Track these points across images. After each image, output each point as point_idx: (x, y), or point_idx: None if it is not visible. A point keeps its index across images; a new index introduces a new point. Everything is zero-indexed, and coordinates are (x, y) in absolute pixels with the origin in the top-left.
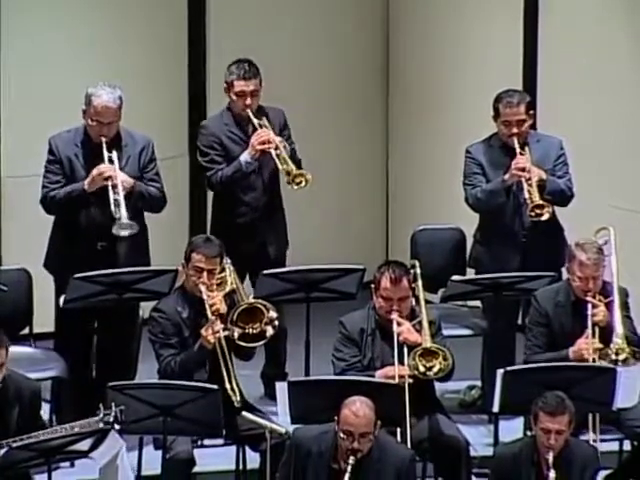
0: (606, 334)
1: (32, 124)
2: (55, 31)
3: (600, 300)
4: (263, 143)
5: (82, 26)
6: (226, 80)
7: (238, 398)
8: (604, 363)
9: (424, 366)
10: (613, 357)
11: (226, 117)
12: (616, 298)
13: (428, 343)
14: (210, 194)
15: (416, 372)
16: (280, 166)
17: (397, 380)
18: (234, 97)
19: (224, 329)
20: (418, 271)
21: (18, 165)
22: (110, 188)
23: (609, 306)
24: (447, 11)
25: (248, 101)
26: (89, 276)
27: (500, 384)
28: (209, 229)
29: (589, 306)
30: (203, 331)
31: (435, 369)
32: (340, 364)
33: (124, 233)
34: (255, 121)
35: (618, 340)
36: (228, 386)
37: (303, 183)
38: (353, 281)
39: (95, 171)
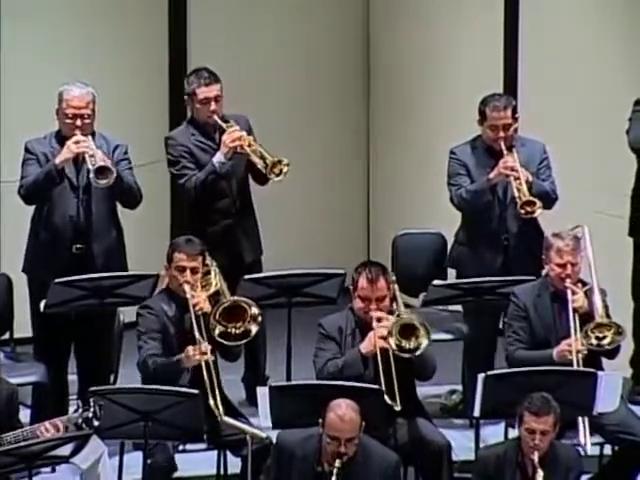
0: (587, 322)
1: (29, 130)
2: (56, 40)
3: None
4: (235, 140)
5: (80, 31)
6: (187, 91)
7: (221, 412)
8: (592, 347)
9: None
10: (594, 342)
11: (191, 128)
12: (595, 284)
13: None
14: None
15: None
16: (256, 159)
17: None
18: (198, 105)
19: (211, 351)
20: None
21: (16, 170)
22: (87, 157)
23: (588, 294)
24: (428, 13)
25: (213, 107)
26: (70, 281)
27: (481, 388)
28: None
29: (569, 292)
30: (190, 350)
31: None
32: (321, 360)
33: (102, 182)
34: (223, 125)
35: (600, 313)
36: (212, 402)
37: (285, 169)
38: (334, 286)
39: (70, 140)
